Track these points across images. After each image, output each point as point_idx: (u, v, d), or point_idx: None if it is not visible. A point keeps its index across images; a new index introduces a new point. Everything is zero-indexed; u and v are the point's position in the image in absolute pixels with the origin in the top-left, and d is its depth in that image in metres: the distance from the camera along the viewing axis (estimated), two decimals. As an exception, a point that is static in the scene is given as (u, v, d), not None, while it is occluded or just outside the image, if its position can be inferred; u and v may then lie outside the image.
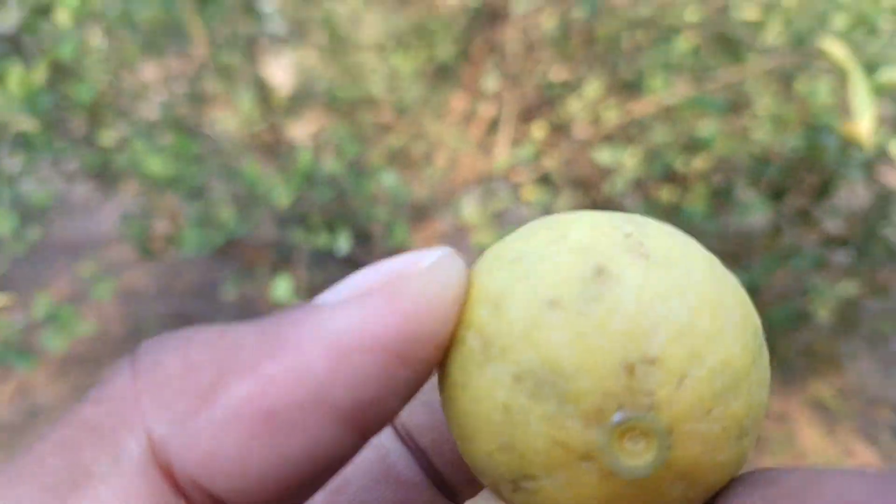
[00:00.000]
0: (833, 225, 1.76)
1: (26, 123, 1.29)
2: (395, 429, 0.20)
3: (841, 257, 1.77)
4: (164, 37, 1.83)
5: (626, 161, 1.41)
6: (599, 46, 1.50)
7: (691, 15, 1.26)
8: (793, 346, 1.88)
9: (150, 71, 2.04)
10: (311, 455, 0.14)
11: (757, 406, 0.14)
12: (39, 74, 1.18)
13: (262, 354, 0.13)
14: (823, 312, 1.45)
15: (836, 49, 0.66)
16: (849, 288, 1.56)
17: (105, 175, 1.70)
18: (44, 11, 1.65)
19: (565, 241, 0.14)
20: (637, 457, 0.13)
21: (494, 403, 0.14)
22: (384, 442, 0.19)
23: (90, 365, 2.86)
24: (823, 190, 1.65)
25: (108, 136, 1.45)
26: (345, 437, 0.14)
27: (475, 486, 0.21)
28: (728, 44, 1.49)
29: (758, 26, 1.32)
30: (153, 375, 0.14)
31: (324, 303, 0.14)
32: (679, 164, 1.44)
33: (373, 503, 0.19)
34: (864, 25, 1.07)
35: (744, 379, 0.14)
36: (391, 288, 0.14)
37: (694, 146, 1.39)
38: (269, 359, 0.13)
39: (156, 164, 1.38)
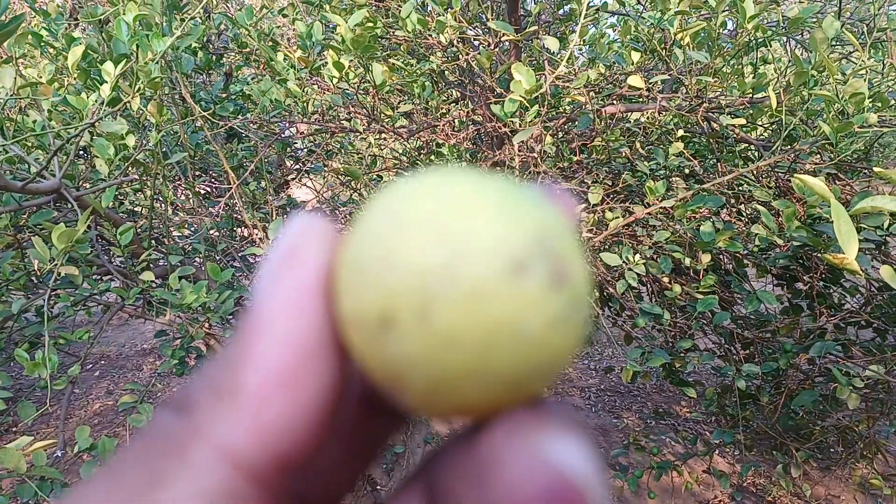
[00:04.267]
0: (852, 304, 1.76)
1: (67, 270, 1.39)
2: None
3: (865, 334, 1.75)
4: (194, 169, 1.97)
5: (634, 261, 1.46)
6: (598, 155, 1.58)
7: (678, 130, 1.34)
8: (829, 431, 1.84)
9: (182, 196, 2.18)
10: (327, 387, 0.19)
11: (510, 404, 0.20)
12: (79, 227, 1.28)
13: (249, 350, 0.19)
14: (854, 401, 1.44)
15: (813, 182, 0.71)
16: (876, 370, 1.55)
17: (143, 305, 1.78)
18: (84, 151, 1.79)
19: (384, 276, 0.19)
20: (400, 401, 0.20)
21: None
22: None
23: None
24: (835, 273, 1.66)
25: (145, 275, 1.53)
26: (332, 360, 0.20)
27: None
28: (722, 142, 1.56)
29: (746, 129, 1.39)
30: (195, 404, 0.19)
31: (255, 298, 0.21)
32: (686, 260, 1.48)
33: None
34: (848, 130, 1.12)
35: (483, 406, 0.20)
36: (285, 258, 0.21)
37: (698, 244, 1.43)
38: (252, 347, 0.19)
39: (190, 297, 1.46)
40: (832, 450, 1.99)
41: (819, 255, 1.54)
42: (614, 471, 1.92)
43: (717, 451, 2.22)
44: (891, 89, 1.41)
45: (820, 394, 1.64)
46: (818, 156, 1.46)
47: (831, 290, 1.74)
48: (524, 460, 0.17)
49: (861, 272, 0.68)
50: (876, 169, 0.97)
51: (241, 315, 0.21)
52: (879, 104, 1.33)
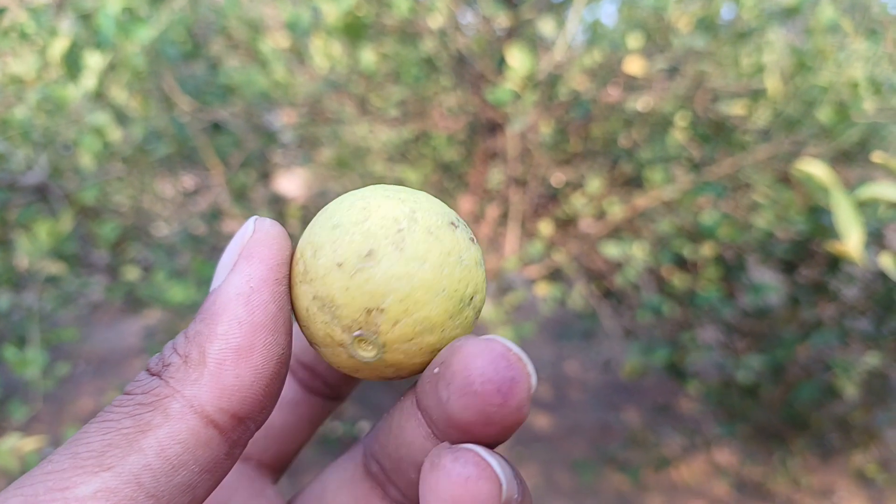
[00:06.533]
0: (850, 293, 1.75)
1: (54, 267, 1.35)
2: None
3: (862, 325, 1.74)
4: (180, 162, 1.93)
5: (635, 252, 1.44)
6: (597, 144, 1.55)
7: (681, 120, 1.31)
8: (826, 420, 1.83)
9: (168, 189, 2.13)
10: (274, 359, 0.24)
11: (450, 338, 0.26)
12: (65, 223, 1.24)
13: (212, 326, 0.24)
14: (851, 389, 1.43)
15: (817, 169, 0.69)
16: (873, 359, 1.54)
17: (129, 301, 1.75)
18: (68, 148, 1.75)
19: (363, 225, 0.26)
20: (366, 353, 0.26)
21: (303, 305, 0.26)
22: None
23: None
24: (834, 262, 1.65)
25: (131, 271, 1.50)
26: (279, 338, 0.25)
27: (348, 387, 0.34)
28: (721, 130, 1.54)
29: (746, 118, 1.37)
30: (170, 369, 0.24)
31: (216, 285, 0.26)
32: (687, 251, 1.46)
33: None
34: (845, 116, 1.10)
35: (438, 327, 0.26)
36: (243, 254, 0.26)
37: (699, 234, 1.41)
38: (214, 324, 0.24)
39: (177, 294, 1.43)
40: (829, 440, 1.99)
41: (819, 244, 1.53)
42: (615, 466, 1.91)
43: (717, 445, 2.22)
44: (884, 76, 1.39)
45: (819, 387, 1.63)
46: (816, 146, 1.44)
47: (829, 281, 1.72)
48: (476, 342, 0.23)
49: (860, 261, 0.66)
50: (874, 157, 0.94)
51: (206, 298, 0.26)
52: (875, 90, 1.31)
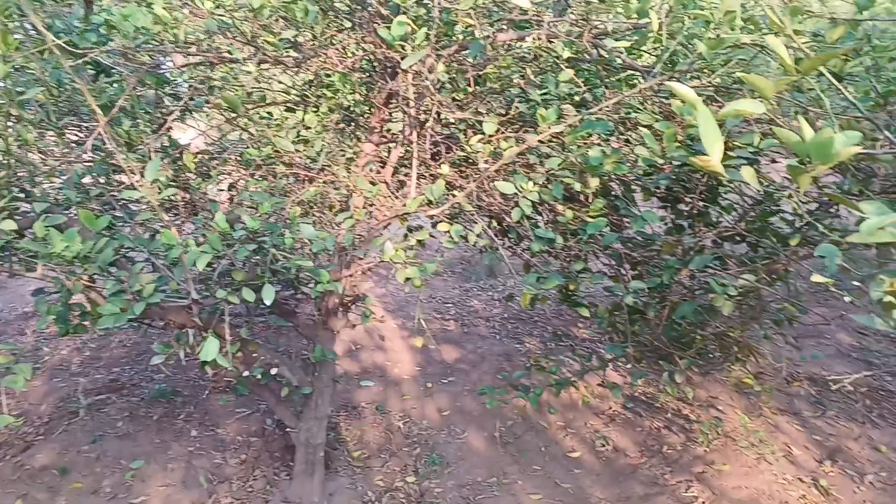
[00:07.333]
0: (729, 220, 1.89)
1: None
2: None
3: (739, 250, 1.90)
4: (58, 107, 1.81)
5: (528, 188, 1.49)
6: (491, 83, 1.57)
7: (565, 51, 1.35)
8: (707, 338, 2.00)
9: (50, 139, 1.99)
10: None
11: None
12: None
13: None
14: (728, 307, 1.56)
15: (683, 89, 0.74)
16: (748, 279, 1.68)
17: (9, 258, 1.64)
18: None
19: None
20: None
21: None
22: None
23: (17, 448, 2.71)
24: (713, 192, 1.77)
25: (8, 224, 1.40)
26: None
27: None
28: (608, 68, 1.60)
29: (630, 52, 1.42)
30: None
31: None
32: (577, 185, 1.53)
33: None
34: (723, 49, 1.17)
35: None
36: None
37: (587, 169, 1.48)
38: None
39: (61, 245, 1.36)
40: (711, 356, 2.18)
41: (693, 169, 1.63)
42: (517, 391, 2.02)
43: (610, 366, 2.37)
44: (762, 12, 1.48)
45: (699, 305, 1.77)
46: (698, 80, 1.52)
47: (710, 209, 1.86)
48: None
49: (725, 174, 0.72)
50: (740, 73, 1.01)
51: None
52: (752, 27, 1.40)
